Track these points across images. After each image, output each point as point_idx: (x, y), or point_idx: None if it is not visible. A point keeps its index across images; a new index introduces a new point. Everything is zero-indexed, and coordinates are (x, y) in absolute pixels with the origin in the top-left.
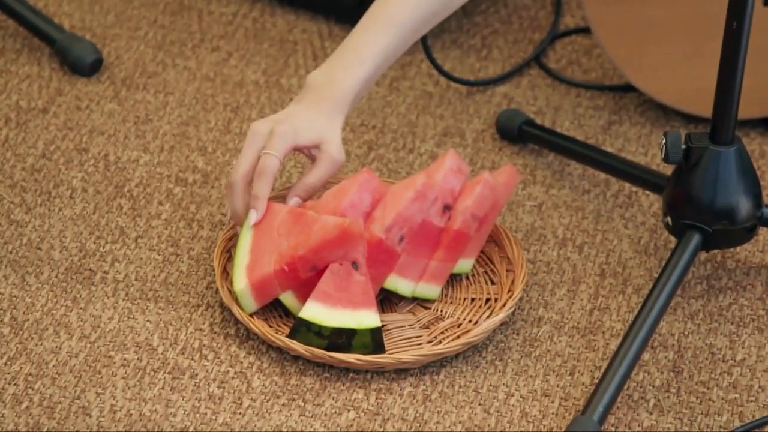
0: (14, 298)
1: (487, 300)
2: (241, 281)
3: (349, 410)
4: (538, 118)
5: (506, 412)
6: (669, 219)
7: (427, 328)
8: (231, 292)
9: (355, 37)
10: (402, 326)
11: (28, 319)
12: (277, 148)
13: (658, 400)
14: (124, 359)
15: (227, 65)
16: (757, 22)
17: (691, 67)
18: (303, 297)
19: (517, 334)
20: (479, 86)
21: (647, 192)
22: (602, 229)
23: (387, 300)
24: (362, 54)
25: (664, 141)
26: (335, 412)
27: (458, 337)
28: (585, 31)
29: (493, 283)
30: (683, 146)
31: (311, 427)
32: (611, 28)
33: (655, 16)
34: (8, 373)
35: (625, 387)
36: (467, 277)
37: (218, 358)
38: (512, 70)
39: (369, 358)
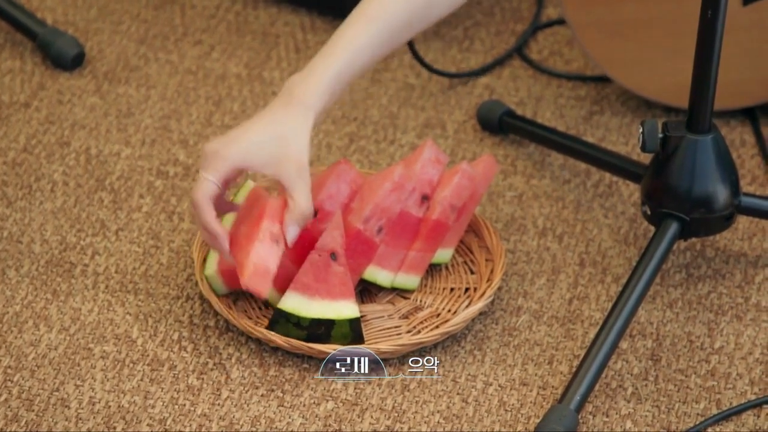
0: None
1: (466, 290)
2: (211, 266)
3: (327, 400)
4: (519, 109)
5: (484, 401)
6: (647, 208)
7: (406, 318)
8: (201, 274)
9: (333, 34)
10: (381, 316)
11: (7, 312)
12: (215, 171)
13: (636, 388)
14: (104, 351)
15: (209, 58)
16: (737, 21)
17: (669, 63)
18: (282, 288)
19: (496, 324)
20: (461, 78)
21: (627, 182)
22: (582, 218)
23: (366, 291)
24: (334, 49)
25: (641, 130)
26: (314, 403)
27: (437, 326)
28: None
29: (472, 272)
30: (660, 135)
31: (290, 417)
32: (590, 28)
33: (633, 15)
34: None
35: (604, 375)
36: (446, 267)
37: (197, 349)
38: (494, 61)
39: (348, 348)
